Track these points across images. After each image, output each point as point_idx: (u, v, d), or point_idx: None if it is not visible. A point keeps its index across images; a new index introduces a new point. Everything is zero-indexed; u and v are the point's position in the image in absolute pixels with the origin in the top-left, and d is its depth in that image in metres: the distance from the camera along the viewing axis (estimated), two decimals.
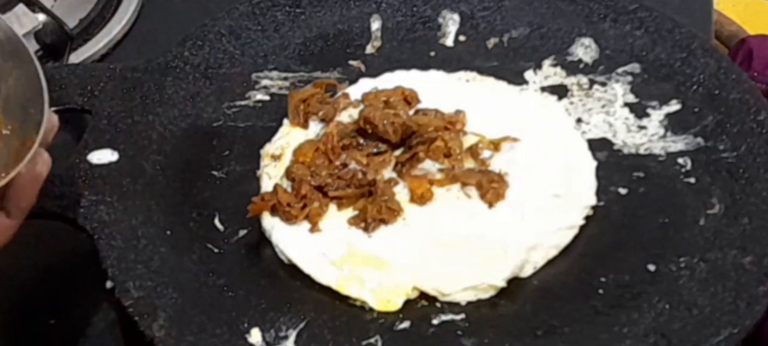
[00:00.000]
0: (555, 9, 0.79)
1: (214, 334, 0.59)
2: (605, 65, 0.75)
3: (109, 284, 0.60)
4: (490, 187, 0.64)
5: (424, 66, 0.76)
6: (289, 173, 0.67)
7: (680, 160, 0.68)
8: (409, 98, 0.72)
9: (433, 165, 0.67)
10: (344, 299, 0.62)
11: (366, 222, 0.64)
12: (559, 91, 0.74)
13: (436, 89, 0.73)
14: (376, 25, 0.80)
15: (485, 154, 0.67)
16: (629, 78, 0.74)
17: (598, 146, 0.70)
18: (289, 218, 0.65)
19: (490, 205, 0.64)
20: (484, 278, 0.61)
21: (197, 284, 0.62)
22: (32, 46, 0.82)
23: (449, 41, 0.79)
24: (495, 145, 0.68)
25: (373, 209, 0.64)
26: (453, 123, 0.69)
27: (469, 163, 0.67)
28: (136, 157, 0.68)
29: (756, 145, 0.67)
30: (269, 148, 0.71)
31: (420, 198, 0.65)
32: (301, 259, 0.63)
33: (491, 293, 0.61)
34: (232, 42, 0.78)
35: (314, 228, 0.65)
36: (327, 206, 0.66)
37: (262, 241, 0.65)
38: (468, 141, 0.68)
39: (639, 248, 0.63)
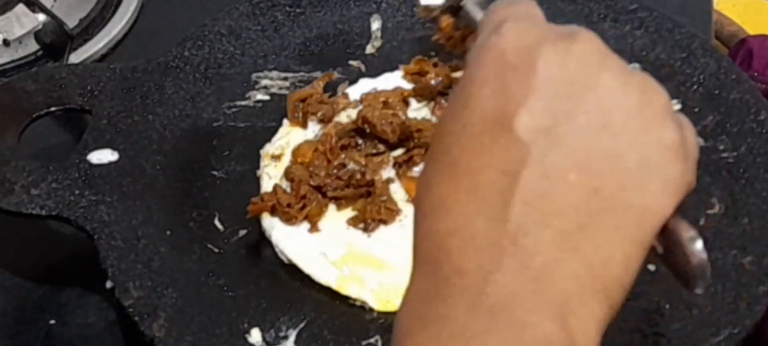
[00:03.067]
0: (555, 9, 0.79)
1: (214, 334, 0.59)
2: None
3: (109, 284, 0.60)
4: None
5: None
6: (288, 174, 0.67)
7: None
8: (408, 99, 0.72)
9: None
10: (344, 299, 0.62)
11: (365, 222, 0.64)
12: None
13: None
14: (376, 25, 0.80)
15: None
16: None
17: None
18: (288, 219, 0.65)
19: None
20: None
21: (197, 284, 0.62)
22: (32, 47, 0.83)
23: None
24: None
25: (372, 210, 0.64)
26: None
27: None
28: (136, 158, 0.68)
29: (756, 145, 0.67)
30: (269, 149, 0.71)
31: (413, 200, 0.65)
32: (301, 259, 0.63)
33: None
34: (232, 42, 0.77)
35: (314, 228, 0.65)
36: (326, 206, 0.66)
37: (262, 241, 0.65)
38: None
39: None
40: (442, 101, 0.70)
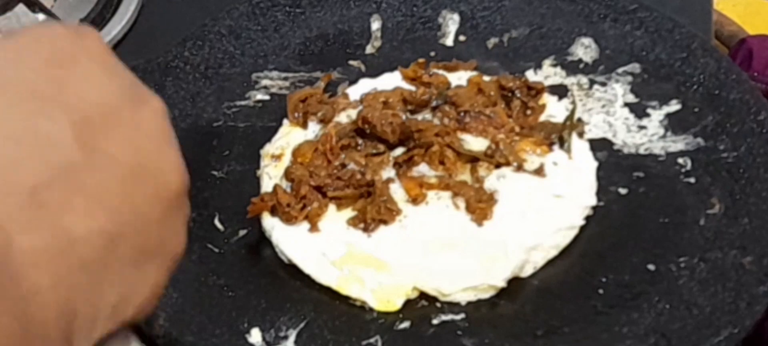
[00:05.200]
0: (555, 9, 0.79)
1: (214, 334, 0.59)
2: (605, 65, 0.75)
3: None
4: (477, 206, 0.64)
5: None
6: (288, 174, 0.67)
7: (680, 160, 0.68)
8: (408, 99, 0.72)
9: (429, 169, 0.67)
10: (344, 299, 0.62)
11: (365, 222, 0.64)
12: (559, 91, 0.74)
13: None
14: (376, 25, 0.80)
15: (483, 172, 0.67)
16: (629, 78, 0.74)
17: (598, 146, 0.70)
18: (288, 219, 0.65)
19: (478, 224, 0.64)
20: (484, 278, 0.61)
21: (197, 284, 0.62)
22: None
23: (449, 41, 0.79)
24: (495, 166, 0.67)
25: (372, 210, 0.64)
26: (449, 130, 0.69)
27: (465, 175, 0.67)
28: None
29: (756, 145, 0.67)
30: (269, 148, 0.71)
31: (413, 200, 0.65)
32: (301, 259, 0.64)
33: (491, 293, 0.61)
34: (232, 42, 0.78)
35: (313, 228, 0.65)
36: (326, 206, 0.66)
37: (262, 241, 0.65)
38: (469, 145, 0.68)
39: (639, 248, 0.63)
40: (446, 108, 0.70)
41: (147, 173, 0.33)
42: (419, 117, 0.71)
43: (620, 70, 0.75)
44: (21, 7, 0.84)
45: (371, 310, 0.61)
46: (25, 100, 0.30)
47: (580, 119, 0.71)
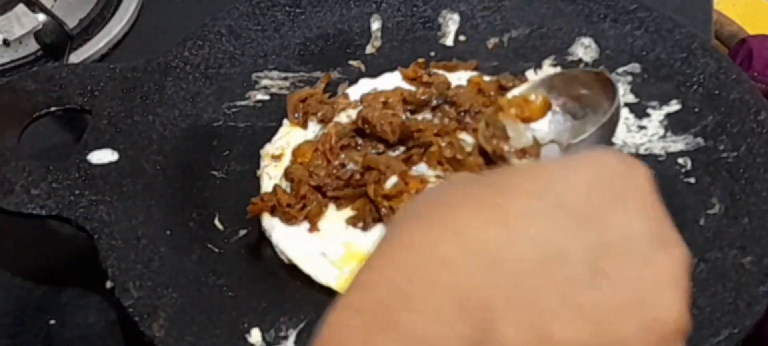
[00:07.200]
0: (555, 9, 0.79)
1: (214, 334, 0.59)
2: (605, 65, 0.75)
3: (109, 284, 0.60)
4: None
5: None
6: (287, 174, 0.67)
7: (680, 160, 0.68)
8: (408, 99, 0.72)
9: (428, 169, 0.66)
10: None
11: (365, 222, 0.64)
12: None
13: None
14: (376, 25, 0.80)
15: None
16: (629, 78, 0.74)
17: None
18: (288, 219, 0.65)
19: None
20: None
21: (197, 284, 0.62)
22: (32, 47, 0.83)
23: (449, 41, 0.79)
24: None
25: (372, 209, 0.64)
26: (449, 130, 0.69)
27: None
28: (136, 157, 0.68)
29: (756, 145, 0.67)
30: (269, 149, 0.71)
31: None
32: (301, 259, 0.63)
33: None
34: (232, 42, 0.77)
35: (313, 228, 0.65)
36: (326, 206, 0.66)
37: (262, 241, 0.65)
38: (469, 145, 0.68)
39: None
40: (446, 107, 0.70)
41: (642, 306, 0.34)
42: (419, 117, 0.71)
43: (620, 70, 0.75)
44: (21, 7, 0.84)
45: None
46: (556, 211, 0.34)
47: None
